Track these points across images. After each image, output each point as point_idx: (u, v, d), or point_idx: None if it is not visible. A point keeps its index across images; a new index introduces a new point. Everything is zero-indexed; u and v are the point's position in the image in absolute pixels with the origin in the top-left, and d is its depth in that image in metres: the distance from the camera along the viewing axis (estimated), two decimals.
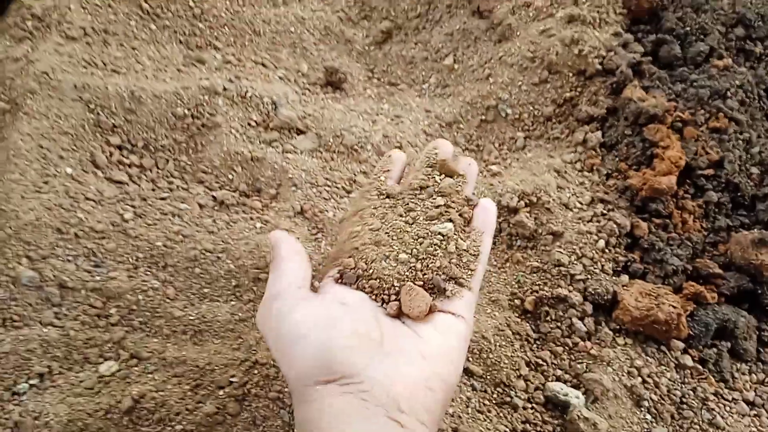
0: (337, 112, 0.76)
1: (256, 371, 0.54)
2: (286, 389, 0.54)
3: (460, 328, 0.43)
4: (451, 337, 0.42)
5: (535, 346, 0.62)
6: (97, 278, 0.59)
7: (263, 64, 0.82)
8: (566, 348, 0.62)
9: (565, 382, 0.60)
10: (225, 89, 0.74)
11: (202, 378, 0.54)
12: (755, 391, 0.64)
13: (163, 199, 0.66)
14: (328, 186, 0.69)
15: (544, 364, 0.61)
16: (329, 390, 0.38)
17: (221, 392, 0.53)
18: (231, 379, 0.54)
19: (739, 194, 0.69)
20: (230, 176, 0.69)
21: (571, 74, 0.76)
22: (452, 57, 0.83)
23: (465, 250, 0.46)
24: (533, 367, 0.61)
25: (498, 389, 0.59)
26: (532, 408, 0.59)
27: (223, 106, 0.72)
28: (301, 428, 0.39)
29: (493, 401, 0.58)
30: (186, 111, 0.71)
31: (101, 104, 0.69)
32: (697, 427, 0.60)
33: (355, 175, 0.70)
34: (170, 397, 0.53)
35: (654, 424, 0.60)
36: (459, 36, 0.84)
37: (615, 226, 0.66)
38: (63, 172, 0.65)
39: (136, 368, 0.55)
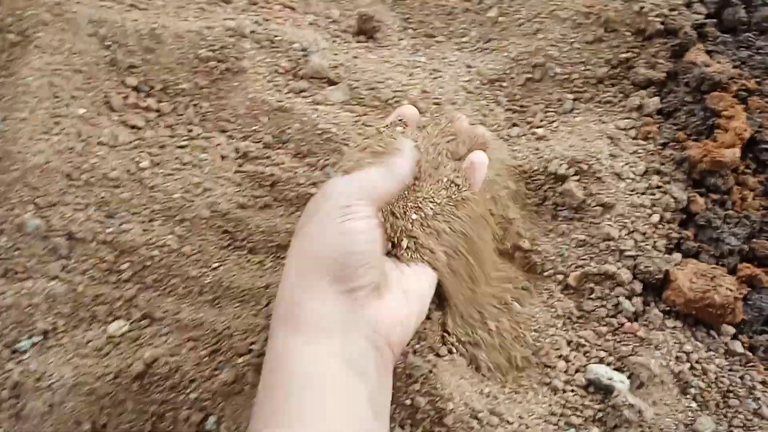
0: (371, 63, 0.71)
1: None
2: None
3: (432, 275, 0.47)
4: (424, 280, 0.47)
5: (577, 324, 0.58)
6: (109, 230, 0.55)
7: (291, 8, 0.76)
8: (611, 328, 0.57)
9: (608, 364, 0.56)
10: (252, 32, 0.68)
11: (219, 343, 0.50)
12: None
13: (182, 147, 0.61)
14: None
15: (587, 344, 0.56)
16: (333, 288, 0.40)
17: (240, 360, 0.49)
18: (251, 347, 0.50)
19: None
20: (255, 126, 0.64)
21: (628, 33, 0.69)
22: (497, 9, 0.77)
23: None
24: (575, 347, 0.56)
25: (536, 369, 0.55)
26: (572, 391, 0.54)
27: (250, 50, 0.67)
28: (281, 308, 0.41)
29: (531, 382, 0.54)
30: (210, 53, 0.66)
31: (118, 41, 0.64)
32: (742, 416, 0.56)
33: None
34: (185, 362, 0.49)
35: (699, 413, 0.56)
36: None
37: (671, 199, 0.60)
38: (75, 113, 0.60)
39: (148, 329, 0.51)
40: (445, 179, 0.49)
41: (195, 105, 0.64)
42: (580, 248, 0.60)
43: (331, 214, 0.41)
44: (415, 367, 0.49)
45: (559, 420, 0.53)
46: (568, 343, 0.56)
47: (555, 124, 0.68)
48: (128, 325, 0.51)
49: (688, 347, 0.56)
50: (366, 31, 0.76)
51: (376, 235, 0.43)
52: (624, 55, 0.69)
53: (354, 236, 0.41)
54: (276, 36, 0.68)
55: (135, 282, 0.53)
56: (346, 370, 0.39)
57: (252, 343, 0.50)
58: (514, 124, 0.69)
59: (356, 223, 0.41)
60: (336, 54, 0.71)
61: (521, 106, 0.70)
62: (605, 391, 0.54)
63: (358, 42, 0.75)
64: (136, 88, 0.64)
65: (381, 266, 0.44)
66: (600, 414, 0.53)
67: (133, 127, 0.62)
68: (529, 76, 0.71)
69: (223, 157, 0.61)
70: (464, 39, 0.77)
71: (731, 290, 0.57)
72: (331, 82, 0.67)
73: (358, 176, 0.44)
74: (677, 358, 0.56)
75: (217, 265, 0.55)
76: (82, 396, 0.46)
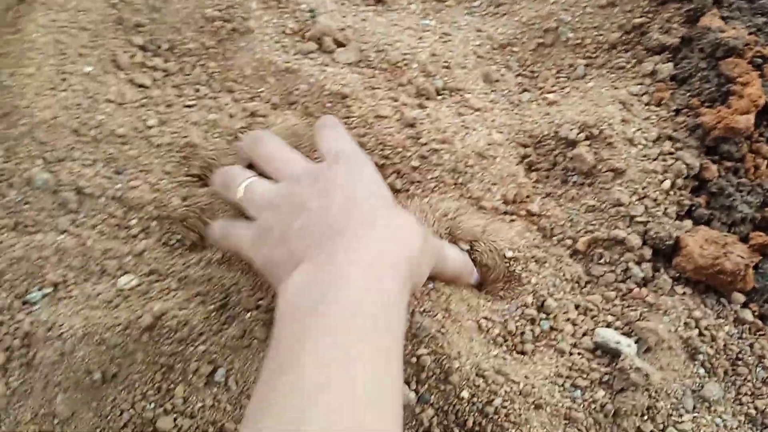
0: (380, 26, 0.70)
1: None
2: None
3: None
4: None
5: (585, 289, 0.57)
6: (118, 186, 0.54)
7: None
8: (619, 293, 0.57)
9: (616, 328, 0.56)
10: None
11: (227, 299, 0.50)
12: None
13: (189, 107, 0.61)
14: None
15: (595, 309, 0.56)
16: None
17: (248, 315, 0.49)
18: (259, 302, 0.50)
19: None
20: (262, 88, 0.63)
21: None
22: None
23: None
24: (582, 311, 0.56)
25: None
26: (579, 354, 0.54)
27: (257, 10, 0.66)
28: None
29: (539, 345, 0.54)
30: (216, 12, 0.65)
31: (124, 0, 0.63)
32: (750, 384, 0.56)
33: (398, 95, 0.64)
34: (193, 316, 0.48)
35: (707, 379, 0.55)
36: None
37: (683, 166, 0.60)
38: (81, 71, 0.60)
39: (157, 284, 0.51)
40: None
41: (202, 65, 0.64)
42: (589, 213, 0.60)
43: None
44: (422, 327, 0.49)
45: (565, 381, 0.53)
46: (576, 307, 0.56)
47: (566, 90, 0.67)
48: (137, 279, 0.51)
49: (697, 314, 0.56)
50: None
51: None
52: (637, 20, 0.68)
53: None
54: None
55: (143, 238, 0.53)
56: None
57: (260, 299, 0.50)
58: (525, 90, 0.68)
59: None
60: (344, 16, 0.70)
61: (532, 72, 0.69)
62: (612, 354, 0.54)
63: (367, 5, 0.74)
64: (142, 47, 0.64)
65: None
66: (606, 377, 0.53)
67: (140, 85, 0.61)
68: (541, 41, 0.70)
69: (231, 116, 0.60)
70: (475, 3, 0.76)
71: (742, 257, 0.57)
72: (339, 44, 0.67)
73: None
74: (686, 324, 0.56)
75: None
76: (92, 346, 0.46)
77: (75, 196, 0.53)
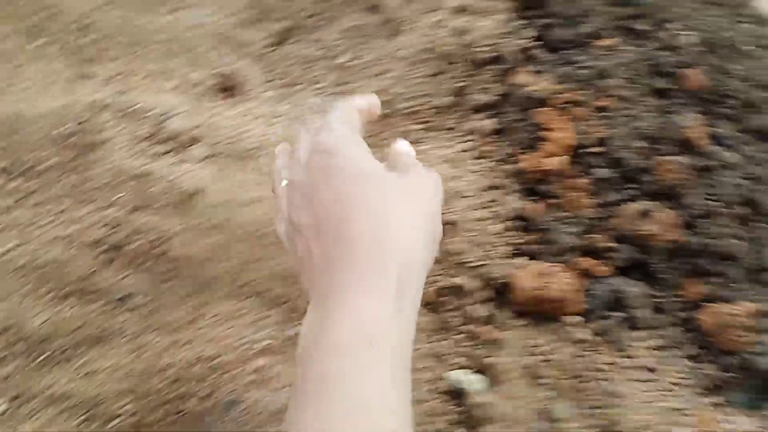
0: (232, 119, 0.75)
1: (148, 400, 0.53)
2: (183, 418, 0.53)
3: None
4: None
5: (437, 336, 0.63)
6: None
7: (154, 75, 0.80)
8: (466, 335, 0.63)
9: (467, 368, 0.61)
10: (112, 103, 0.72)
11: (92, 410, 0.53)
12: (652, 357, 0.65)
13: (50, 222, 0.64)
14: None
15: (446, 353, 0.62)
16: None
17: (110, 426, 0.52)
18: (122, 410, 0.53)
19: (627, 168, 0.71)
20: (121, 193, 0.67)
21: (463, 64, 0.77)
22: (348, 54, 0.83)
23: None
24: (435, 358, 0.62)
25: None
26: (435, 398, 0.59)
27: (111, 121, 0.70)
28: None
29: None
30: (72, 129, 0.69)
31: None
32: (598, 397, 0.62)
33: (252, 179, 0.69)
34: None
35: (555, 400, 0.61)
36: (354, 33, 0.84)
37: (510, 209, 0.67)
38: None
39: (23, 407, 0.53)
40: None
41: (60, 181, 0.68)
42: (435, 264, 0.66)
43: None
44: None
45: (425, 429, 0.58)
46: (429, 355, 0.62)
47: None
48: (6, 404, 0.53)
49: (537, 341, 0.63)
50: (228, 88, 0.81)
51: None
52: (459, 84, 0.76)
53: None
54: (136, 104, 0.72)
55: (9, 360, 0.56)
56: None
57: (124, 405, 0.53)
58: None
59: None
60: (198, 114, 0.75)
61: (383, 140, 0.76)
62: (465, 394, 0.60)
63: (223, 99, 0.80)
64: (4, 170, 0.67)
65: None
66: (463, 416, 0.59)
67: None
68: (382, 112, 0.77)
69: (89, 226, 0.64)
70: (319, 85, 0.83)
71: (567, 283, 0.64)
72: (193, 142, 0.72)
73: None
74: (528, 352, 0.62)
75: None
76: None
77: None
